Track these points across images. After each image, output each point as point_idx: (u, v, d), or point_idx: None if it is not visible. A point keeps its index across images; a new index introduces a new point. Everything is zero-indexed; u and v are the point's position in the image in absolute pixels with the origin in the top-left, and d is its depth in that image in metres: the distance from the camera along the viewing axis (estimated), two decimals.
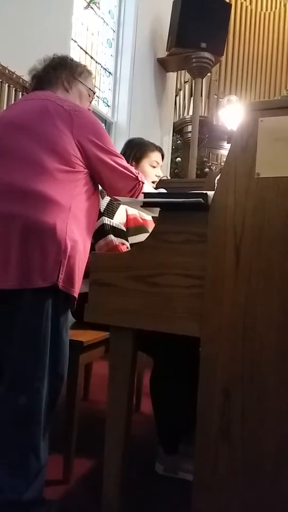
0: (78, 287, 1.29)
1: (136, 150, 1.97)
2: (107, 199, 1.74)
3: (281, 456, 1.00)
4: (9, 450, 1.23)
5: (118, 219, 1.74)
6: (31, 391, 1.21)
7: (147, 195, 1.21)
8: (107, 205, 1.73)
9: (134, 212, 1.81)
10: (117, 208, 1.75)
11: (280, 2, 8.00)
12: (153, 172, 1.98)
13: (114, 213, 1.74)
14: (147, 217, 1.87)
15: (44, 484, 1.28)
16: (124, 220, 1.78)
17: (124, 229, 1.76)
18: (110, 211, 1.73)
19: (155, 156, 1.99)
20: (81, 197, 1.33)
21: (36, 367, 1.22)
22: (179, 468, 1.60)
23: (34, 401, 1.22)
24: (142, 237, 1.75)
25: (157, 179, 2.00)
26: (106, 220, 1.71)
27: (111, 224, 1.71)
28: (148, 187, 1.52)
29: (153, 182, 1.97)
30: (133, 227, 1.79)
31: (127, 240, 1.75)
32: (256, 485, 1.02)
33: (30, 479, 1.22)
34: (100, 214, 1.68)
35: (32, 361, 1.21)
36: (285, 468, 1.00)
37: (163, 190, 1.76)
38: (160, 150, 2.03)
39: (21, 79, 2.83)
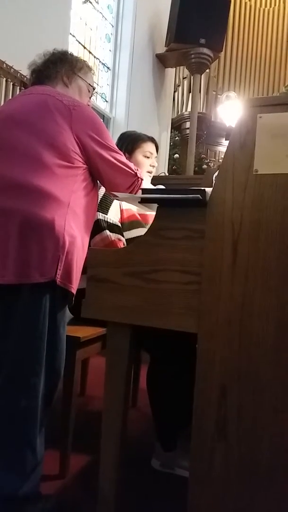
0: (76, 283, 1.29)
1: (128, 142, 1.95)
2: (101, 193, 1.72)
3: (276, 453, 1.00)
4: (5, 445, 1.23)
5: (113, 215, 1.73)
6: (27, 387, 1.21)
7: (145, 191, 1.21)
8: (100, 200, 1.72)
9: (130, 206, 1.80)
10: (111, 203, 1.74)
11: None
12: (147, 162, 1.95)
13: (108, 208, 1.73)
14: (148, 212, 1.85)
15: (40, 479, 1.29)
16: (119, 215, 1.77)
17: (119, 224, 1.75)
18: (104, 206, 1.72)
19: (147, 146, 1.96)
20: (80, 193, 1.33)
21: (33, 363, 1.22)
22: (176, 465, 1.61)
23: (31, 397, 1.22)
24: (137, 232, 1.74)
25: (152, 169, 1.98)
26: (100, 215, 1.70)
27: (106, 219, 1.70)
28: (147, 183, 1.52)
29: (148, 173, 1.96)
30: (128, 222, 1.78)
31: (123, 235, 1.75)
32: (251, 482, 1.02)
33: (26, 474, 1.22)
34: None
35: (29, 357, 1.21)
36: (280, 465, 1.00)
37: (161, 187, 1.75)
38: (153, 140, 2.00)
39: (19, 74, 2.81)
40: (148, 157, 1.96)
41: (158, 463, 1.63)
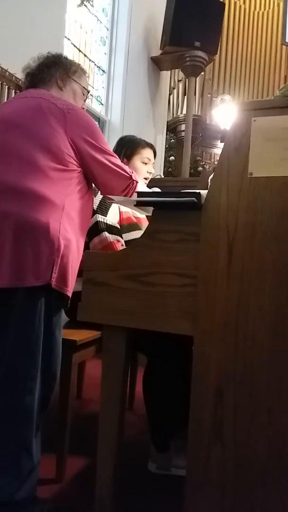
0: (71, 286, 1.29)
1: (127, 147, 1.96)
2: (99, 196, 1.74)
3: (272, 455, 1.00)
4: (1, 449, 1.22)
5: (112, 216, 1.74)
6: (23, 390, 1.21)
7: (140, 194, 1.21)
8: (99, 202, 1.73)
9: (127, 209, 1.81)
10: (110, 206, 1.75)
11: (274, 2, 8.02)
12: (144, 168, 1.97)
13: (108, 211, 1.74)
14: (140, 215, 1.87)
15: (36, 483, 1.28)
16: (118, 217, 1.78)
17: (118, 226, 1.76)
18: (103, 208, 1.73)
19: (146, 152, 1.98)
20: (75, 196, 1.33)
21: (29, 366, 1.21)
22: (171, 465, 1.61)
23: (27, 401, 1.21)
24: (135, 234, 1.75)
25: (149, 176, 2.00)
26: (100, 217, 1.71)
27: (105, 221, 1.71)
28: (142, 186, 1.52)
29: (145, 179, 1.97)
30: (126, 224, 1.79)
31: (122, 237, 1.75)
32: (247, 484, 1.03)
33: (22, 478, 1.22)
34: (93, 212, 1.68)
35: (25, 360, 1.21)
36: (276, 467, 1.00)
37: (156, 189, 1.76)
38: (151, 146, 2.02)
39: (14, 77, 2.81)
40: (146, 163, 1.97)
41: (154, 466, 1.63)
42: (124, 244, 1.73)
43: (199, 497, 1.07)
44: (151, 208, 1.17)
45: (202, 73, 5.84)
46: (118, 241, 1.71)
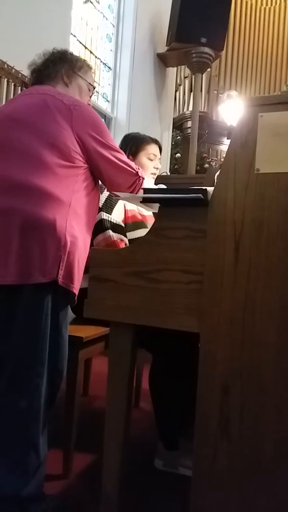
0: (78, 283, 1.29)
1: (132, 144, 1.96)
2: (105, 194, 1.73)
3: (279, 452, 1.00)
4: (8, 445, 1.23)
5: (117, 215, 1.74)
6: (30, 388, 1.21)
7: (146, 190, 1.21)
8: (105, 200, 1.73)
9: (133, 207, 1.81)
10: (116, 204, 1.75)
11: None
12: (151, 164, 1.97)
13: (113, 209, 1.73)
14: (147, 212, 1.87)
15: (43, 479, 1.29)
16: (123, 215, 1.77)
17: (123, 225, 1.76)
18: (108, 206, 1.73)
19: (151, 148, 1.97)
20: (81, 193, 1.33)
21: (36, 363, 1.22)
22: (178, 464, 1.61)
23: (33, 398, 1.22)
24: (140, 233, 1.75)
25: (156, 171, 1.99)
26: (104, 215, 1.70)
27: (110, 219, 1.71)
28: (148, 183, 1.52)
29: (152, 174, 1.97)
30: (131, 222, 1.79)
31: (126, 236, 1.75)
32: (254, 481, 1.02)
33: (29, 475, 1.22)
34: (99, 210, 1.68)
35: (32, 357, 1.21)
36: (282, 464, 1.00)
37: (162, 186, 1.75)
38: (156, 142, 2.01)
39: (20, 74, 2.81)
40: (152, 159, 1.96)
41: (161, 463, 1.63)
42: (127, 242, 1.73)
43: (206, 493, 1.06)
44: (157, 205, 1.16)
45: (209, 69, 5.81)
46: (122, 240, 1.71)
